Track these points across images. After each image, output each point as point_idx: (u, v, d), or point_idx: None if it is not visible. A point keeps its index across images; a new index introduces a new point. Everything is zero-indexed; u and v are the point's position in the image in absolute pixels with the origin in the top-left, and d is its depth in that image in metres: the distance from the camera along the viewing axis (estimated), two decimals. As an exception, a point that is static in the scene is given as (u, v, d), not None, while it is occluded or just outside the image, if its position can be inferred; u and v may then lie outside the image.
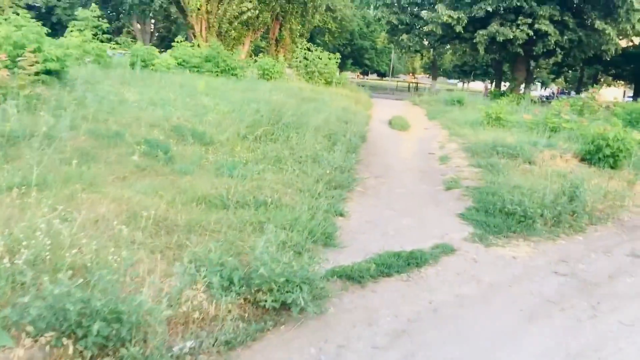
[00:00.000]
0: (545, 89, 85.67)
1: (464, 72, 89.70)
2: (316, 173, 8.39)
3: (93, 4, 18.54)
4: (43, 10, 45.51)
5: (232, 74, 18.93)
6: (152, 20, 40.78)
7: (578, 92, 70.16)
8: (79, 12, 17.83)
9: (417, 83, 61.76)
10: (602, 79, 72.13)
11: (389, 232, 6.75)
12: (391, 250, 5.88)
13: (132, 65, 15.72)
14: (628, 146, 10.81)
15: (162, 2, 28.28)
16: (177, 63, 19.12)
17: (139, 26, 41.91)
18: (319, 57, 22.44)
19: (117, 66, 15.67)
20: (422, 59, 67.50)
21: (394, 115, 17.40)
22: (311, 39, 49.48)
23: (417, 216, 7.56)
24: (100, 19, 17.74)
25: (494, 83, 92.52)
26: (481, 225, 7.12)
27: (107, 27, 18.41)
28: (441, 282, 5.42)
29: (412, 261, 5.71)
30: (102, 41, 17.02)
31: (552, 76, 74.58)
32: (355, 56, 67.09)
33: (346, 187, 8.41)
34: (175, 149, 8.41)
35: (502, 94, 32.13)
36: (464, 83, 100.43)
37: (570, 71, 70.50)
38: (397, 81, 69.74)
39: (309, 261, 4.86)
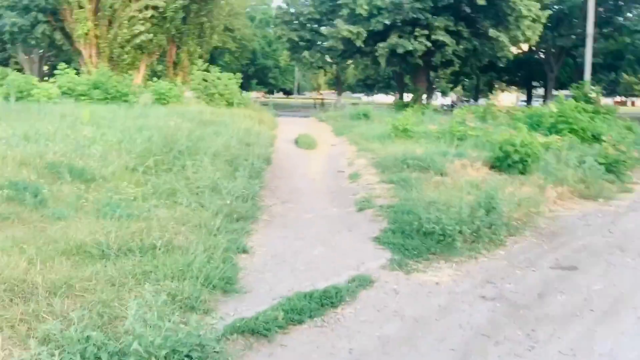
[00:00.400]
0: (445, 97, 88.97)
1: (367, 85, 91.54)
2: (215, 205, 7.49)
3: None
4: None
5: (124, 101, 17.61)
6: (40, 50, 38.19)
7: (476, 99, 73.42)
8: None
9: (322, 99, 62.02)
10: (496, 86, 76.15)
11: (298, 267, 5.99)
12: (302, 291, 5.11)
13: (7, 97, 14.11)
14: (535, 150, 10.75)
15: (44, 28, 26.24)
16: (62, 92, 17.58)
17: (25, 56, 39.10)
18: (218, 78, 21.50)
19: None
20: (325, 75, 68.07)
21: (300, 134, 16.78)
22: (212, 61, 48.37)
23: (329, 244, 6.86)
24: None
25: (396, 95, 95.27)
26: (399, 249, 6.52)
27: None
28: (361, 323, 4.71)
29: (326, 301, 4.97)
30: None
31: (451, 85, 77.77)
32: (260, 75, 66.54)
33: (250, 218, 7.57)
34: (48, 191, 7.22)
35: (406, 105, 32.55)
36: (368, 96, 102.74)
37: (467, 79, 73.83)
38: (303, 98, 69.74)
39: (200, 320, 3.99)
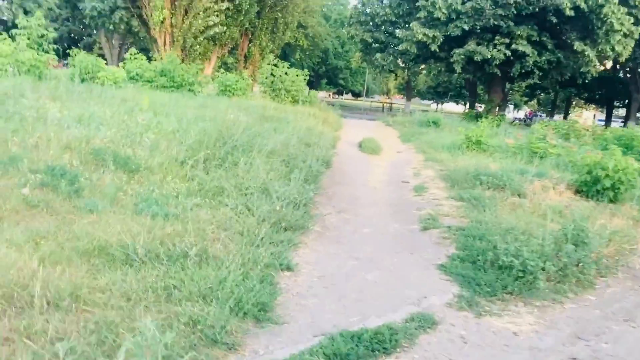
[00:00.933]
0: (517, 111, 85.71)
1: (437, 93, 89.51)
2: (263, 210, 6.73)
3: (37, 12, 16.78)
4: (10, 25, 43.80)
5: (189, 90, 17.29)
6: (120, 36, 38.98)
7: (552, 114, 70.18)
8: (19, 20, 15.95)
9: (391, 103, 60.99)
10: (573, 103, 72.54)
11: (348, 294, 5.12)
12: (349, 330, 4.24)
13: (72, 77, 13.95)
14: (630, 177, 9.42)
15: (122, 14, 26.51)
16: (130, 77, 17.43)
17: (106, 42, 40.06)
18: (286, 74, 20.92)
19: (54, 79, 13.87)
20: (396, 79, 66.69)
21: (365, 137, 15.88)
22: (284, 57, 48.21)
23: (386, 268, 5.95)
24: (47, 28, 15.97)
25: (467, 105, 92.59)
26: (469, 283, 5.54)
27: (55, 37, 16.62)
28: (418, 380, 3.81)
29: (377, 346, 4.07)
30: (46, 51, 15.23)
31: (525, 98, 74.74)
32: (330, 75, 66.22)
33: (300, 228, 6.76)
34: (87, 179, 6.68)
35: (478, 116, 31.05)
36: (437, 104, 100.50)
37: (543, 94, 70.67)
38: (371, 101, 68.73)
39: (219, 362, 3.21)
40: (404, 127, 20.30)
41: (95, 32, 42.08)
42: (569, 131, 17.21)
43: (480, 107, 68.26)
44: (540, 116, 73.11)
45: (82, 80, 14.45)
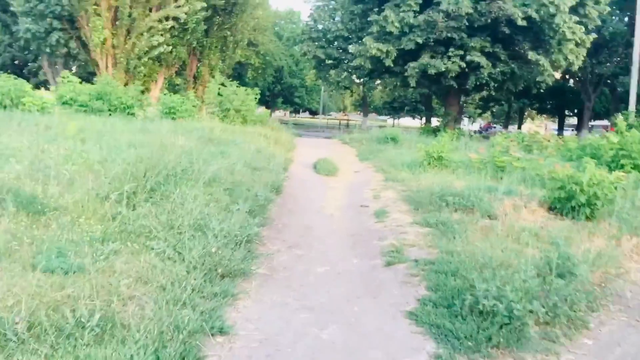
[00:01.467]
0: (472, 123, 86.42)
1: (394, 108, 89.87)
2: (196, 252, 5.61)
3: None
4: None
5: (128, 113, 16.02)
6: (61, 60, 37.11)
7: (506, 126, 71.00)
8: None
9: (347, 120, 60.59)
10: (526, 113, 73.74)
11: (298, 364, 4.04)
12: None
13: (-7, 104, 12.55)
14: (606, 192, 8.67)
15: (59, 36, 24.94)
16: (63, 102, 16.05)
17: (49, 67, 38.11)
18: (234, 93, 19.81)
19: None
20: (352, 95, 66.48)
21: (320, 157, 14.89)
22: (237, 77, 47.07)
23: (345, 321, 4.90)
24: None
25: (423, 119, 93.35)
26: (446, 336, 4.53)
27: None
28: None
29: None
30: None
31: (479, 111, 75.54)
32: (286, 94, 65.59)
33: (240, 274, 5.65)
34: (-26, 226, 5.43)
35: (436, 130, 30.59)
36: (394, 119, 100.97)
37: (496, 105, 71.57)
38: (328, 119, 68.21)
39: None
40: (361, 145, 19.44)
41: (39, 57, 40.12)
42: (530, 142, 16.63)
43: (437, 121, 68.67)
44: (495, 127, 74.07)
45: (4, 107, 13.02)
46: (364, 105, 56.24)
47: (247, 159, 11.48)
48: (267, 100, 66.42)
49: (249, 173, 10.26)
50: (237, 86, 20.15)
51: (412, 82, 27.98)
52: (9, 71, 39.79)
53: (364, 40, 28.21)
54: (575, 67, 27.68)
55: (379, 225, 8.44)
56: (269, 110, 27.35)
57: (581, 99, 45.15)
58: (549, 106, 66.02)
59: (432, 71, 27.23)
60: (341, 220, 8.92)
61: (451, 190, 9.67)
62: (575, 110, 65.36)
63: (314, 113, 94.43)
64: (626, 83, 43.50)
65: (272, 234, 7.53)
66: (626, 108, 58.62)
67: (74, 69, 38.05)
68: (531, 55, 26.38)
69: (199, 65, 30.54)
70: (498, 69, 27.84)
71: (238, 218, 7.00)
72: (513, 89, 31.23)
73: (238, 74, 35.94)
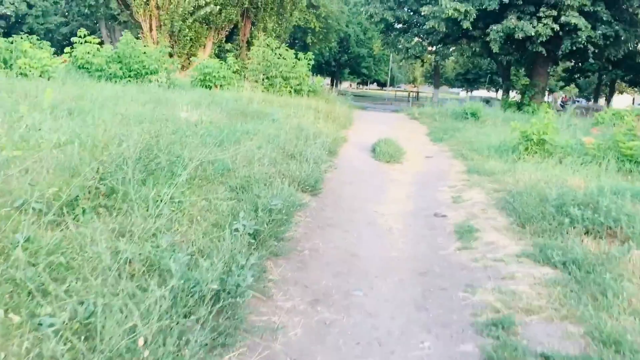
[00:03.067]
0: (549, 96, 79.58)
1: (467, 80, 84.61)
2: (122, 337, 2.76)
3: None
4: (13, 20, 41.03)
5: (150, 80, 13.42)
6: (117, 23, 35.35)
7: (595, 100, 64.69)
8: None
9: (417, 92, 56.63)
10: (616, 86, 66.85)
11: None
12: None
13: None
14: None
15: (98, -6, 22.78)
16: (79, 66, 13.66)
17: (107, 31, 36.52)
18: (282, 57, 16.82)
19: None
20: (422, 65, 62.15)
21: (382, 137, 11.74)
22: (296, 43, 43.94)
23: None
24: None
25: (499, 92, 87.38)
26: None
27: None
28: None
29: None
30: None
31: (561, 83, 69.32)
32: (353, 64, 62.07)
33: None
34: None
35: (520, 104, 26.55)
36: (468, 91, 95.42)
37: (582, 77, 65.20)
38: (396, 91, 64.27)
39: None
40: (433, 121, 16.07)
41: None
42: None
43: (515, 94, 63.26)
44: (578, 101, 67.57)
45: (-5, 70, 10.67)
46: (435, 77, 52.04)
47: (284, 141, 8.55)
48: (333, 71, 63.11)
49: (280, 162, 7.33)
50: (285, 49, 17.15)
51: (495, 48, 23.99)
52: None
53: (438, -1, 24.39)
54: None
55: (465, 255, 5.31)
56: (320, 78, 23.73)
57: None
58: (640, 79, 59.42)
59: (519, 35, 23.16)
60: (405, 240, 5.85)
61: (570, 193, 6.39)
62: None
63: (382, 85, 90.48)
64: None
65: (288, 272, 4.58)
66: None
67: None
68: (643, 14, 21.84)
69: (252, 28, 27.68)
70: (599, 32, 23.39)
71: (228, 249, 4.11)
72: (614, 57, 26.56)
73: (296, 39, 32.98)
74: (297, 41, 42.93)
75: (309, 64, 17.25)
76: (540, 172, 8.43)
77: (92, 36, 14.81)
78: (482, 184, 7.94)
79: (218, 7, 22.95)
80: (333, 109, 14.30)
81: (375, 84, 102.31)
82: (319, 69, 67.10)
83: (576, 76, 59.16)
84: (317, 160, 8.02)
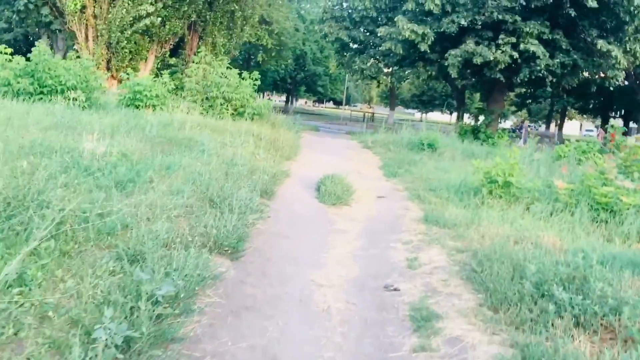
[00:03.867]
0: (503, 122, 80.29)
1: (422, 101, 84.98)
2: None
3: None
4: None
5: (68, 98, 11.68)
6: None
7: (547, 126, 65.42)
8: None
9: (372, 113, 56.11)
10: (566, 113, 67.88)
11: None
12: None
13: None
14: None
15: (28, 0, 20.80)
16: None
17: (47, 43, 34.18)
18: (224, 76, 15.31)
19: None
20: (378, 86, 61.67)
21: (329, 172, 10.37)
22: (248, 62, 42.34)
23: None
24: None
25: (453, 114, 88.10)
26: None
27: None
28: None
29: None
30: None
31: (514, 108, 70.08)
32: (309, 82, 61.04)
33: None
34: None
35: (476, 130, 25.79)
36: (422, 113, 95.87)
37: (534, 103, 66.02)
38: (352, 110, 63.62)
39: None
40: (387, 151, 14.85)
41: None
42: (627, 159, 11.81)
43: (468, 118, 63.32)
44: (531, 127, 68.24)
45: None
46: (391, 98, 51.62)
47: (206, 180, 7.08)
48: (289, 89, 62.01)
49: (197, 211, 5.86)
50: (228, 67, 15.64)
51: (453, 73, 23.17)
52: (22, 46, 36.06)
53: (396, 20, 23.47)
54: (653, 62, 22.55)
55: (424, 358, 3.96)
56: (270, 100, 22.03)
57: (632, 99, 39.59)
58: (591, 105, 60.48)
59: (477, 60, 22.43)
60: (345, 330, 4.45)
61: (550, 264, 5.16)
62: (623, 111, 59.79)
63: (338, 103, 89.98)
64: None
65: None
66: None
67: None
68: (601, 44, 21.38)
69: (200, 43, 26.11)
70: (557, 60, 22.89)
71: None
72: (569, 85, 26.18)
73: (252, 56, 31.55)
74: (252, 57, 41.56)
75: (254, 84, 15.82)
76: (508, 224, 7.25)
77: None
78: (443, 240, 6.66)
79: (160, 19, 21.32)
80: (278, 135, 12.89)
81: (331, 102, 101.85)
82: (274, 86, 65.95)
83: (528, 102, 59.83)
84: (246, 207, 6.58)
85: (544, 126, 75.87)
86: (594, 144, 15.46)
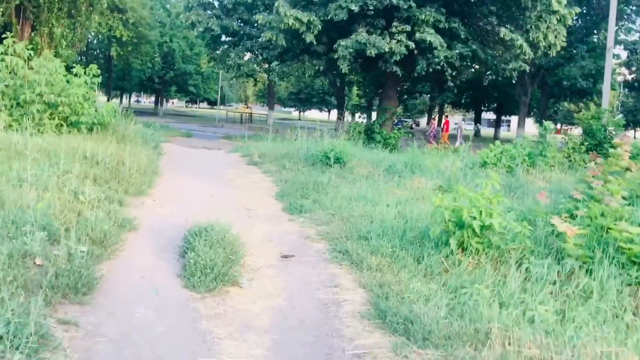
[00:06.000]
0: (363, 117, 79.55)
1: (300, 99, 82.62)
2: None
3: None
4: None
5: None
6: None
7: (428, 121, 65.12)
8: None
9: (250, 113, 52.39)
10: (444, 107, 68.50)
11: None
12: None
13: None
14: None
15: None
16: None
17: None
18: (41, 72, 10.68)
19: None
20: (256, 84, 57.99)
21: (201, 213, 6.61)
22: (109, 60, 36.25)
23: None
24: None
25: (330, 113, 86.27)
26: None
27: None
28: None
29: None
30: None
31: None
32: (179, 82, 55.90)
33: None
34: None
35: (370, 131, 22.99)
36: (300, 111, 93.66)
37: (411, 99, 65.80)
38: (227, 111, 59.42)
39: None
40: (282, 169, 11.17)
41: None
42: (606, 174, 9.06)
43: (347, 115, 61.36)
44: (404, 121, 67.77)
45: None
46: (269, 96, 48.12)
47: None
48: (157, 89, 56.46)
49: None
50: (46, 60, 11.02)
51: (344, 67, 20.13)
52: None
53: (276, 5, 19.97)
54: (554, 51, 21.00)
55: None
56: (113, 104, 17.12)
57: (517, 92, 39.53)
58: (462, 100, 61.18)
59: (371, 52, 19.56)
60: None
61: None
62: (495, 105, 61.07)
63: (212, 103, 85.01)
64: (572, 76, 38.60)
65: None
66: (556, 103, 54.38)
67: None
68: (504, 32, 19.36)
69: (33, 34, 20.84)
70: (455, 51, 20.69)
71: None
72: (466, 78, 24.32)
73: (98, 50, 26.47)
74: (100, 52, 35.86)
75: (92, 82, 11.46)
76: (511, 308, 4.04)
77: None
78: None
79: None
80: (126, 154, 8.86)
81: (205, 102, 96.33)
82: (141, 86, 59.86)
83: (404, 97, 59.02)
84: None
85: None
86: (523, 146, 13.01)
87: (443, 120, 37.65)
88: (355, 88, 59.68)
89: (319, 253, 6.09)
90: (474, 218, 5.52)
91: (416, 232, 6.30)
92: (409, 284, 4.88)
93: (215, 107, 73.64)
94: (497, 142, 13.67)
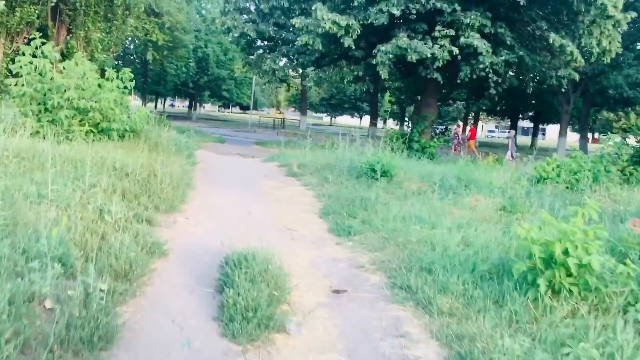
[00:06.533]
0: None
1: (331, 105, 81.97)
2: None
3: None
4: None
5: None
6: None
7: (464, 129, 63.50)
8: None
9: (283, 118, 52.04)
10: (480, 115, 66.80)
11: None
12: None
13: None
14: None
15: None
16: None
17: None
18: (71, 76, 10.03)
19: None
20: (288, 90, 57.43)
21: (239, 236, 5.84)
22: (144, 64, 35.77)
23: None
24: None
25: (363, 118, 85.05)
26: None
27: None
28: None
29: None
30: None
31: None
32: (212, 87, 55.88)
33: None
34: None
35: (409, 140, 22.01)
36: (331, 117, 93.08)
37: (444, 106, 64.36)
38: (260, 115, 59.12)
39: None
40: (325, 182, 10.35)
41: None
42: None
43: (381, 121, 60.27)
44: (443, 130, 66.26)
45: None
46: (302, 102, 47.51)
47: None
48: (191, 93, 56.56)
49: None
50: (77, 62, 10.42)
51: (384, 73, 19.24)
52: None
53: (313, 9, 19.19)
54: (608, 58, 19.71)
55: None
56: (146, 110, 16.35)
57: (559, 100, 37.99)
58: (498, 108, 59.46)
59: (412, 58, 18.64)
60: None
61: None
62: (531, 113, 59.27)
63: (245, 108, 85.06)
64: (618, 84, 36.82)
65: None
66: (597, 112, 52.34)
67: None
68: (553, 38, 18.20)
69: (69, 37, 20.52)
70: (501, 58, 19.58)
71: None
72: (514, 85, 23.14)
73: (134, 55, 26.06)
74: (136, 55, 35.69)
75: (124, 86, 10.84)
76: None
77: None
78: None
79: (3, 2, 15.77)
80: (158, 165, 8.16)
81: (237, 107, 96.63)
82: (175, 90, 59.97)
83: (439, 104, 57.58)
84: None
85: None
86: (585, 159, 11.94)
87: (469, 128, 36.32)
88: (387, 94, 58.75)
89: (376, 288, 5.23)
90: (567, 254, 4.59)
91: (488, 264, 5.39)
92: (493, 336, 3.98)
93: (247, 111, 73.49)
94: (555, 155, 12.58)
